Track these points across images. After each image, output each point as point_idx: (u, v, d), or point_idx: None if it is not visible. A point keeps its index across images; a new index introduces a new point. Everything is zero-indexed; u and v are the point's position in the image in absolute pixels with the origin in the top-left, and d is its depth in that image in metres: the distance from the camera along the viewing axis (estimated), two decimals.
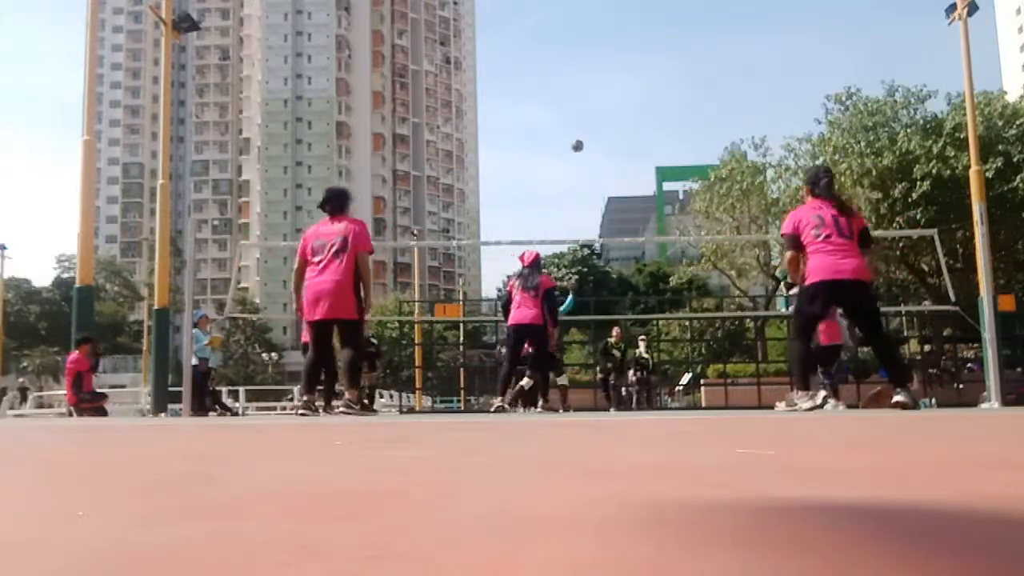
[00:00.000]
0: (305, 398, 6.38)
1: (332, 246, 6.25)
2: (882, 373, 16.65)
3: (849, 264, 5.46)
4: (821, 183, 5.76)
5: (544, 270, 9.04)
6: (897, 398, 5.43)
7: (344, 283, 6.19)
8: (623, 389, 15.13)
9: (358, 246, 6.28)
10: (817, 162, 26.52)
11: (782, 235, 5.98)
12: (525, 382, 10.85)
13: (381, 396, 16.44)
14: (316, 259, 6.27)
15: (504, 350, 14.65)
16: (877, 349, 5.79)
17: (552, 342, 10.76)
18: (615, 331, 14.93)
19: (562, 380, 11.58)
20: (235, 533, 0.94)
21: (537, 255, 8.65)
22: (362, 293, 6.33)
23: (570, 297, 12.35)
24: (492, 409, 8.74)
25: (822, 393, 6.64)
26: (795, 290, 6.32)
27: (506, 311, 8.52)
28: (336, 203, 6.50)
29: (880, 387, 13.19)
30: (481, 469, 1.81)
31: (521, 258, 8.66)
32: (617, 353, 14.66)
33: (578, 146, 12.86)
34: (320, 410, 6.79)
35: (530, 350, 8.56)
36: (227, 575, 0.74)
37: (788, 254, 5.88)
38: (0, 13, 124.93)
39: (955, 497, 1.21)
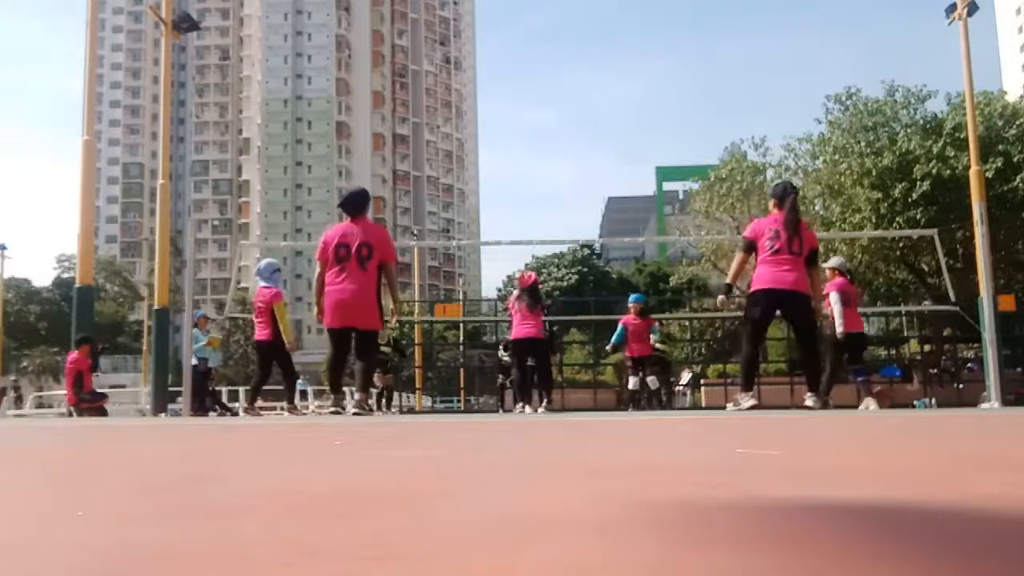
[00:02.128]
0: (333, 398, 6.54)
1: (357, 252, 6.16)
2: (883, 373, 16.68)
3: (790, 276, 6.02)
4: (786, 201, 6.22)
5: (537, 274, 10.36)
6: (807, 402, 6.06)
7: (369, 292, 6.17)
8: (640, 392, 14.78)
9: (384, 255, 6.25)
10: (817, 162, 26.53)
11: (743, 237, 6.53)
12: (633, 382, 11.52)
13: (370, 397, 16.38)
14: (339, 264, 6.18)
15: (506, 357, 15.16)
16: (803, 355, 6.39)
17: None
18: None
19: (653, 382, 12.02)
20: (235, 533, 0.94)
21: (535, 277, 9.86)
22: (384, 300, 6.41)
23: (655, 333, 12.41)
24: (516, 412, 9.53)
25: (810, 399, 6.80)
26: (721, 298, 6.80)
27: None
28: (356, 205, 6.41)
29: (880, 387, 13.20)
30: (481, 469, 1.81)
31: (521, 279, 9.80)
32: (662, 346, 14.21)
33: None
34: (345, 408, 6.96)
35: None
36: (227, 575, 0.74)
37: (739, 254, 6.46)
38: (0, 13, 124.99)
39: (955, 497, 1.21)
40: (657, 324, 12.48)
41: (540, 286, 10.20)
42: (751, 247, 6.26)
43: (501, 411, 12.84)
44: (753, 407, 5.98)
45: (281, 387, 9.97)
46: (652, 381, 11.99)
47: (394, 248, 6.49)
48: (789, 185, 6.59)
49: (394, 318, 6.61)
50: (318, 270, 6.40)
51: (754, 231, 6.30)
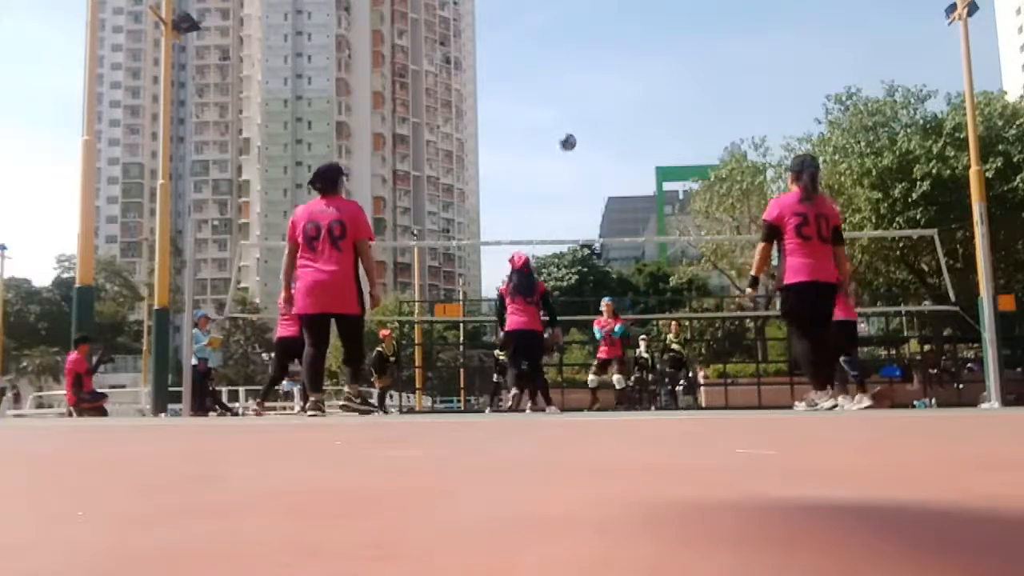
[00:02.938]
0: (313, 398, 5.86)
1: (329, 231, 5.62)
2: (883, 373, 16.68)
3: (827, 267, 5.62)
4: (805, 174, 5.70)
5: (537, 275, 8.98)
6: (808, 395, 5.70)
7: (345, 274, 5.63)
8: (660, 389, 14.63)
9: (358, 232, 5.69)
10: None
11: (763, 220, 5.92)
12: (617, 379, 11.35)
13: (391, 398, 16.48)
14: (311, 245, 5.65)
15: (502, 357, 15.07)
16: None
17: (558, 341, 11.03)
18: (673, 326, 14.45)
19: (619, 381, 11.90)
20: (235, 533, 0.94)
21: (527, 258, 8.52)
22: (363, 284, 5.82)
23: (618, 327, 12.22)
24: (507, 404, 8.79)
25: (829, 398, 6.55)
26: (749, 291, 6.38)
27: (500, 316, 8.39)
28: (327, 180, 5.84)
29: (879, 387, 13.20)
30: (481, 469, 1.81)
31: (511, 261, 8.54)
32: (678, 348, 14.09)
33: (568, 142, 11.77)
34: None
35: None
36: (227, 575, 0.74)
37: (761, 243, 5.85)
38: (0, 13, 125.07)
39: (955, 497, 1.21)
40: (621, 324, 12.31)
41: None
42: (775, 233, 5.65)
43: (488, 410, 12.79)
44: (834, 407, 5.46)
45: (277, 388, 9.83)
46: (618, 380, 12.00)
47: (370, 226, 5.92)
48: (808, 158, 6.02)
49: (372, 304, 5.91)
50: (286, 251, 5.86)
51: (778, 215, 5.66)
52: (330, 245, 5.62)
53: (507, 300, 8.32)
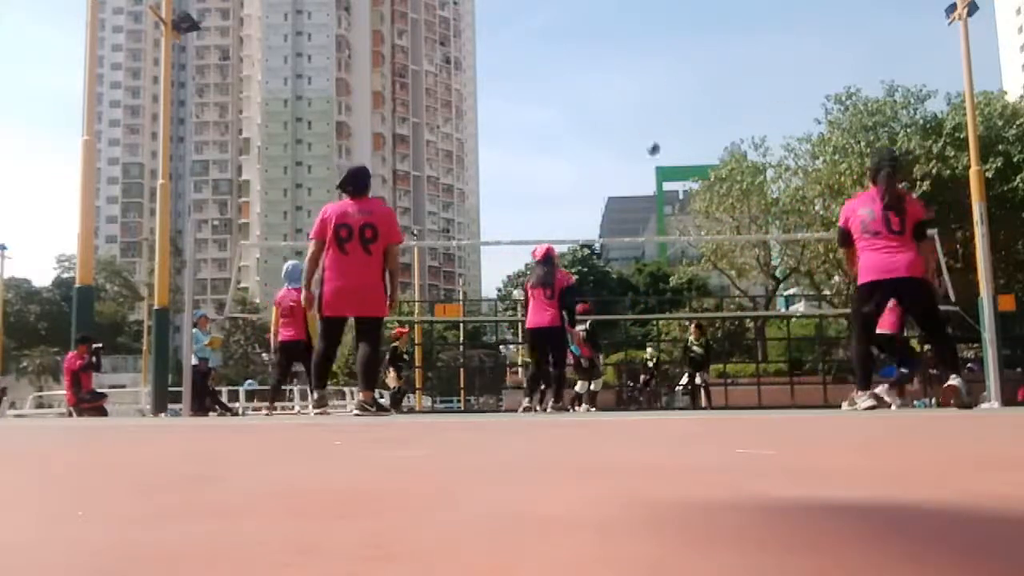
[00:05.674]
0: (317, 395, 5.99)
1: (361, 234, 5.64)
2: (883, 373, 16.64)
3: (896, 261, 5.30)
4: (880, 173, 5.51)
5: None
6: (952, 382, 5.34)
7: (375, 278, 5.68)
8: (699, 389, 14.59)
9: (390, 237, 5.74)
10: (817, 162, 26.52)
11: (838, 227, 5.82)
12: (579, 386, 11.26)
13: (381, 396, 16.48)
14: (341, 247, 5.66)
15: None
16: (932, 340, 5.70)
17: (579, 345, 10.91)
18: (693, 329, 14.44)
19: (596, 386, 11.82)
20: (235, 533, 0.94)
21: (548, 249, 8.12)
22: (388, 287, 5.84)
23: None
24: (520, 410, 8.44)
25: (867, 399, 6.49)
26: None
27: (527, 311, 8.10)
28: (358, 184, 5.87)
29: (878, 387, 13.13)
30: (481, 469, 1.81)
31: (533, 254, 8.22)
32: (699, 350, 14.07)
33: (654, 149, 11.53)
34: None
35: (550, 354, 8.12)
36: (227, 575, 0.74)
37: (842, 250, 5.83)
38: (0, 12, 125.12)
39: (956, 497, 1.21)
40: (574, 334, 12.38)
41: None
42: (846, 238, 5.54)
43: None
44: (872, 407, 5.34)
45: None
46: (580, 386, 12.09)
47: (400, 231, 5.96)
48: (883, 154, 5.78)
49: (391, 307, 5.94)
50: (311, 249, 5.82)
51: (844, 218, 5.57)
52: (361, 248, 5.67)
53: (529, 294, 8.05)
